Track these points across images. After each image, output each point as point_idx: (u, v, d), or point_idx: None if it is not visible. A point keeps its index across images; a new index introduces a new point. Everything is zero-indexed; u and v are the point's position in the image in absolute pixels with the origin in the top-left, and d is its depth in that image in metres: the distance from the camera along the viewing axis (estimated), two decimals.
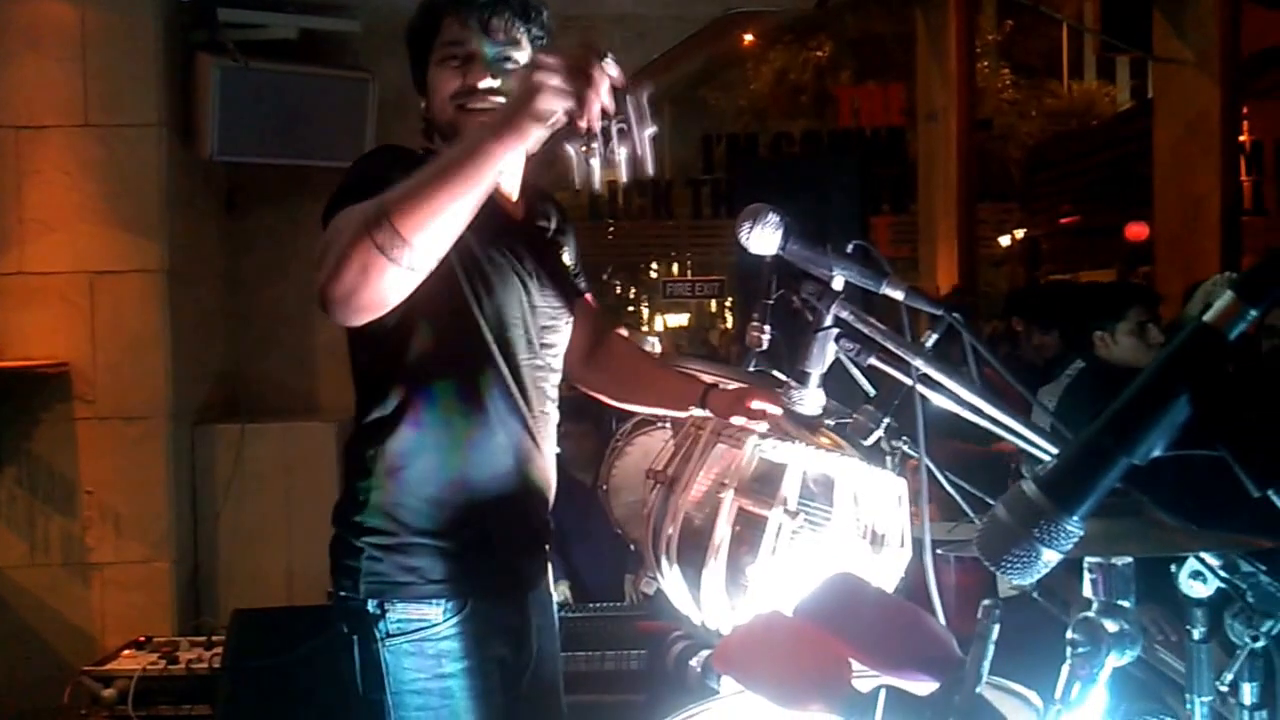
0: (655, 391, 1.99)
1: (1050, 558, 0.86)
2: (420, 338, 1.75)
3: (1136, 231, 10.86)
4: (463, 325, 1.76)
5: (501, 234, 1.81)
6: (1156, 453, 0.82)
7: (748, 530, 1.51)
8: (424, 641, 1.74)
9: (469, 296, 1.75)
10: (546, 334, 1.88)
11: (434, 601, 1.76)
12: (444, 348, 1.77)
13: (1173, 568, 1.19)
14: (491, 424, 1.79)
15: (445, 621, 1.76)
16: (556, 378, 1.93)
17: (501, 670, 1.83)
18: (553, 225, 2.00)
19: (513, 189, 1.90)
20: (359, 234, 1.43)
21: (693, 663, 1.98)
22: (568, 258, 2.03)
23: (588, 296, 2.07)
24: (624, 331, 2.31)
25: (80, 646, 3.86)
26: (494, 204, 1.76)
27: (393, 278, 1.45)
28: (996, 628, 0.93)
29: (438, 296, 1.63)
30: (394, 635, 1.74)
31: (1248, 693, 1.16)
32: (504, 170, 1.67)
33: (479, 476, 1.79)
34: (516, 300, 1.81)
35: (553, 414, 1.92)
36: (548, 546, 2.00)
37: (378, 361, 1.79)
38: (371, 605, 1.75)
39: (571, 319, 1.95)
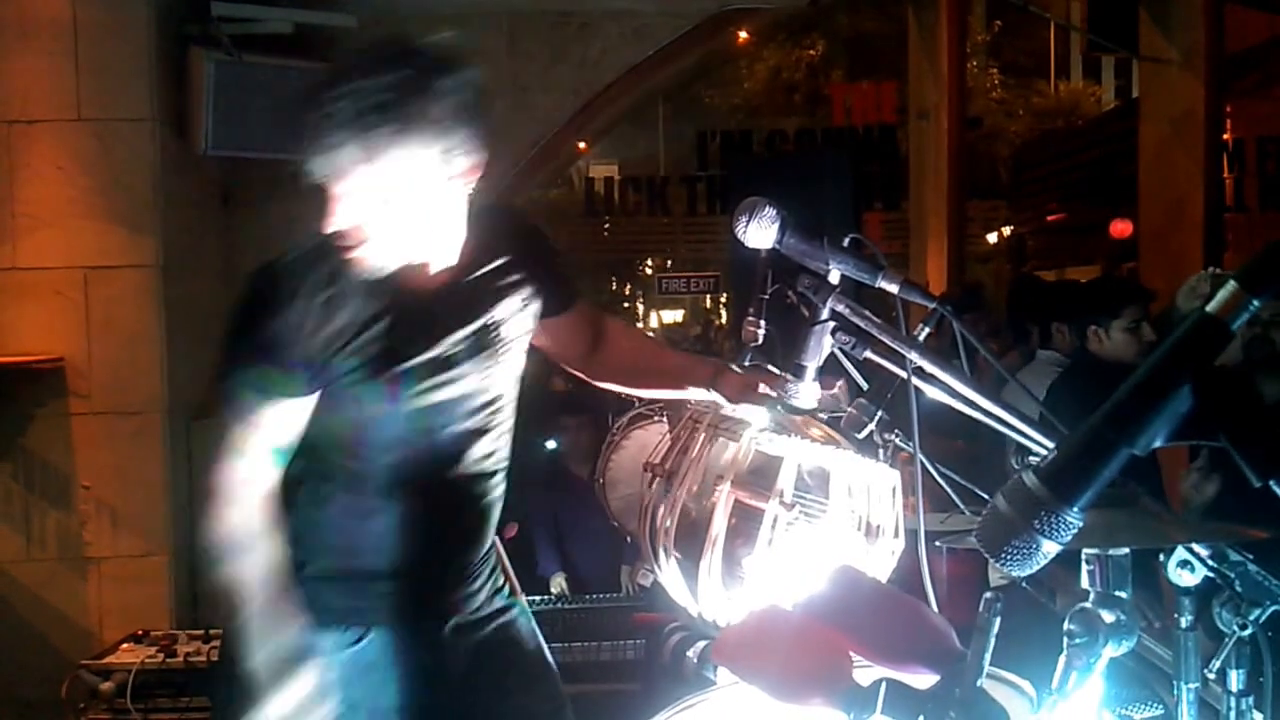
0: (666, 375, 1.99)
1: (1050, 549, 0.86)
2: (335, 429, 1.78)
3: (1121, 228, 10.92)
4: (382, 417, 1.77)
5: (422, 315, 1.78)
6: (1158, 443, 0.82)
7: (744, 522, 1.52)
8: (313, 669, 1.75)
9: (388, 396, 1.76)
10: (477, 397, 1.84)
11: (328, 631, 1.78)
12: (361, 433, 1.79)
13: (1160, 557, 1.20)
14: (405, 494, 1.81)
15: (338, 653, 1.78)
16: (498, 429, 1.90)
17: (402, 703, 1.83)
18: (497, 265, 1.89)
19: (442, 252, 1.80)
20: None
21: (689, 653, 2.00)
22: (515, 298, 1.90)
23: (578, 309, 2.05)
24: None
25: (78, 640, 3.85)
26: (412, 291, 1.77)
27: None
28: (998, 620, 0.93)
29: (350, 400, 1.73)
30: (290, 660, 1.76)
31: (1234, 680, 1.17)
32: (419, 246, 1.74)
33: (396, 519, 1.81)
34: (440, 384, 1.79)
35: (492, 462, 1.90)
36: (478, 575, 1.96)
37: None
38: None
39: (513, 363, 1.91)
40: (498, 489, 1.93)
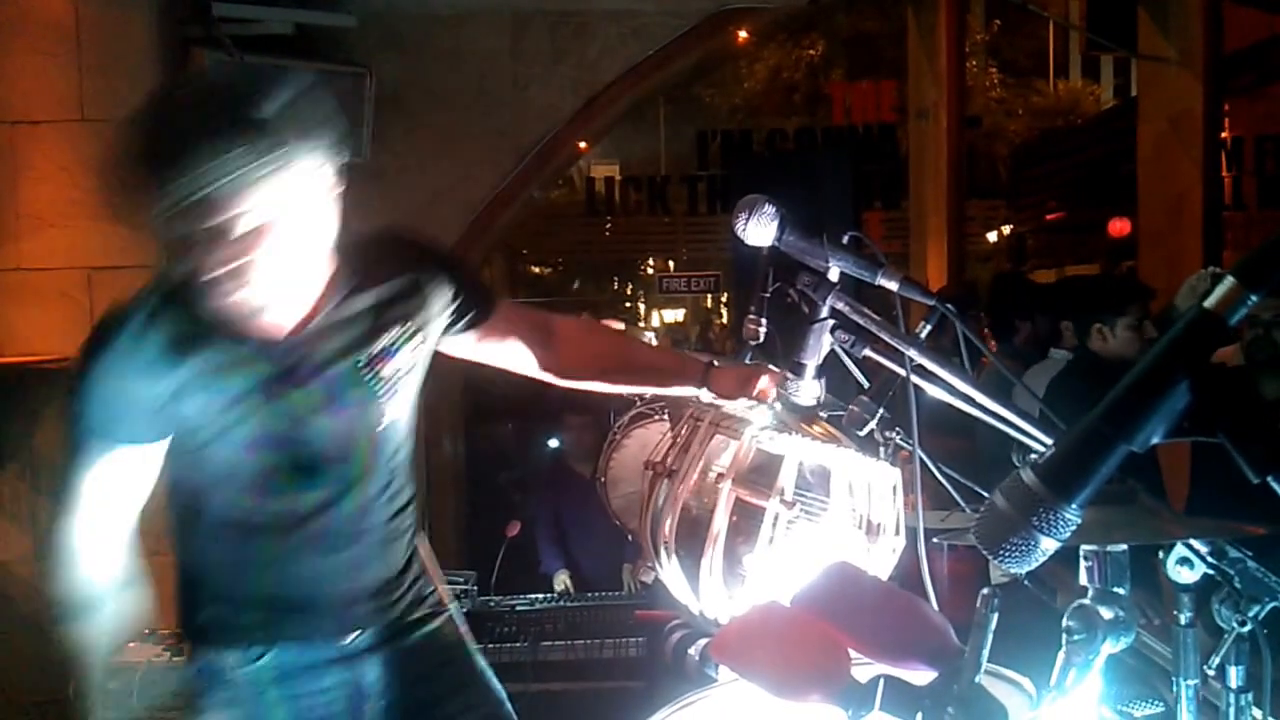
0: (645, 372, 1.96)
1: (1049, 546, 0.85)
2: (200, 471, 1.77)
3: (1120, 227, 10.93)
4: (245, 459, 1.73)
5: (289, 355, 1.72)
6: (1156, 440, 0.82)
7: (745, 520, 1.52)
8: (215, 685, 1.81)
9: (249, 438, 1.71)
10: (356, 434, 1.79)
11: (227, 649, 1.81)
12: (227, 474, 1.76)
13: (1160, 554, 1.20)
14: (285, 531, 1.79)
15: (237, 669, 1.80)
16: (388, 462, 1.85)
17: (327, 715, 1.83)
18: (375, 295, 1.79)
19: (309, 288, 1.72)
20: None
21: (691, 651, 2.00)
22: (396, 329, 1.81)
23: (499, 305, 1.96)
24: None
25: None
26: (278, 329, 1.71)
27: None
28: (995, 616, 0.92)
29: (209, 442, 1.71)
30: (198, 674, 1.83)
31: (1234, 676, 1.18)
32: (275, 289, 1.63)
33: (272, 554, 1.81)
34: (305, 423, 1.74)
35: (387, 494, 1.86)
36: (391, 591, 1.90)
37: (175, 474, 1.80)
38: (189, 646, 1.88)
39: (401, 398, 1.83)
40: (398, 519, 1.88)
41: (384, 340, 1.78)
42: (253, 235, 1.52)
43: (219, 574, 1.84)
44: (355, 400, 1.77)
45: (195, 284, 1.58)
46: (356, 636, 1.85)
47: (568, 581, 4.22)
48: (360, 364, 1.76)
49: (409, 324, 1.81)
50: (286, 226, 1.55)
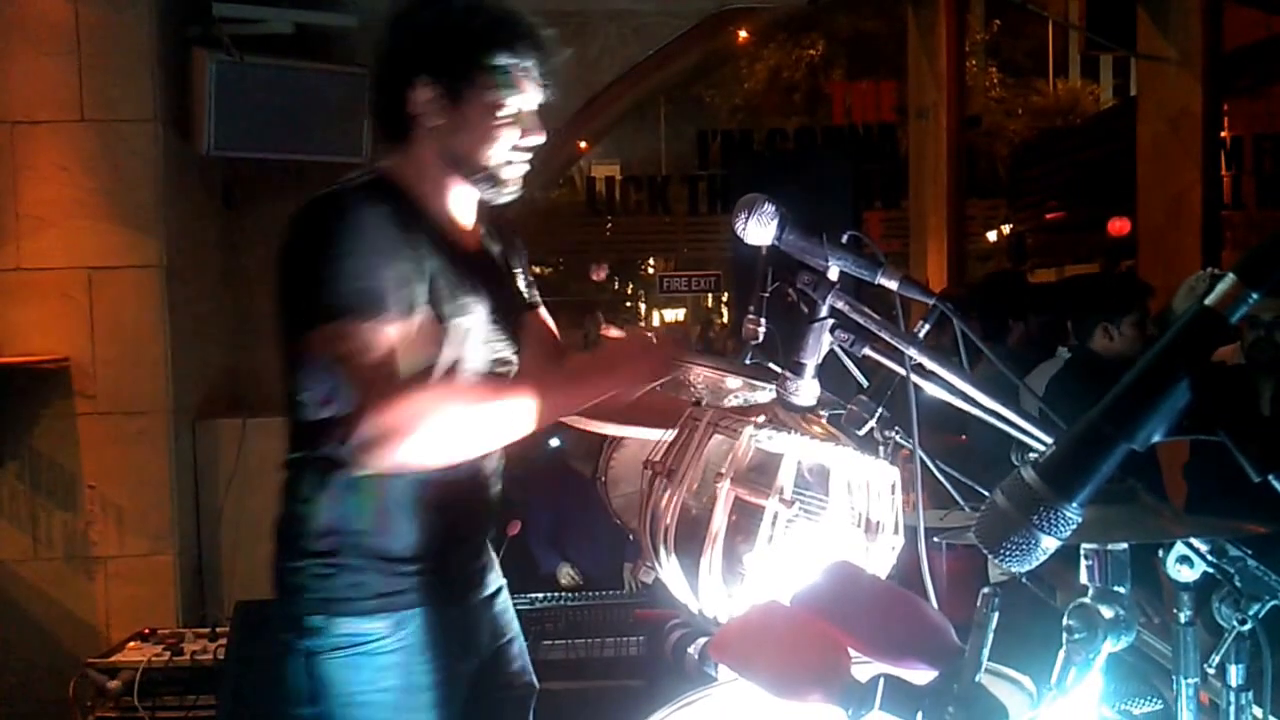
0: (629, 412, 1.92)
1: (1049, 545, 0.85)
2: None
3: (1119, 226, 10.94)
4: (429, 358, 1.73)
5: (462, 269, 1.78)
6: (1156, 438, 0.81)
7: (744, 519, 1.52)
8: (366, 655, 1.75)
9: (439, 332, 1.74)
10: (497, 366, 1.87)
11: (377, 616, 1.76)
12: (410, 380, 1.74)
13: (1159, 552, 1.20)
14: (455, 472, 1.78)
15: (389, 636, 1.76)
16: None
17: (450, 677, 1.83)
18: (503, 250, 1.97)
19: (468, 220, 1.88)
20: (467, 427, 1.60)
21: (690, 650, 2.01)
22: (520, 283, 2.00)
23: (541, 313, 2.05)
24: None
25: (85, 639, 3.87)
26: (454, 238, 1.80)
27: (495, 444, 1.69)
28: (996, 616, 0.92)
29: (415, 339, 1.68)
30: (338, 649, 1.75)
31: (1234, 675, 1.17)
32: (460, 202, 1.81)
33: (427, 499, 1.78)
34: (475, 331, 1.79)
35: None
36: (491, 547, 2.00)
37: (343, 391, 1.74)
38: (316, 620, 1.75)
39: (519, 345, 1.93)
40: (499, 456, 1.92)
41: (515, 285, 1.96)
42: (534, 132, 1.78)
43: (369, 523, 1.76)
44: (516, 320, 1.90)
45: (397, 178, 1.74)
46: (473, 599, 1.91)
47: (573, 573, 4.21)
48: (512, 295, 1.93)
49: (525, 277, 1.99)
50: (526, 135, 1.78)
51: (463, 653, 1.87)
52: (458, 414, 1.64)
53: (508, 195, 1.83)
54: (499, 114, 1.76)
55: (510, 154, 1.79)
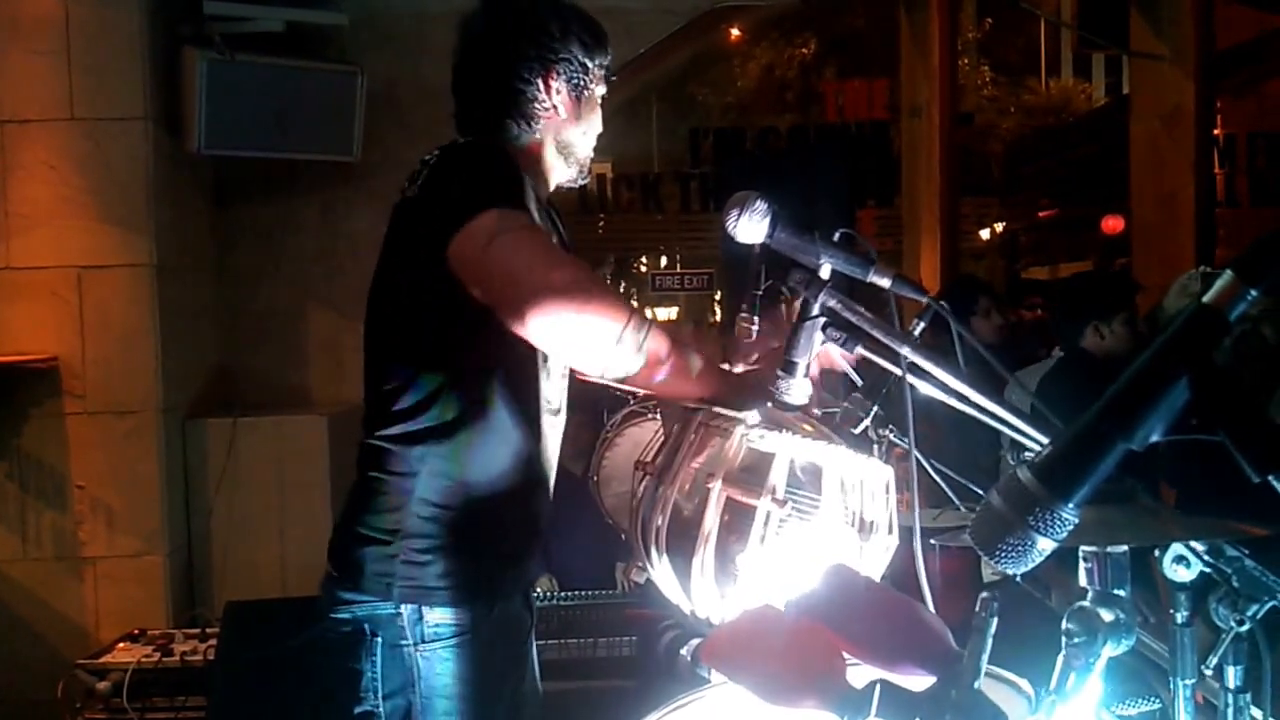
0: None
1: (1046, 546, 0.84)
2: (487, 350, 1.75)
3: (1113, 224, 10.96)
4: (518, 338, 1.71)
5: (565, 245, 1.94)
6: (1155, 438, 0.80)
7: (736, 519, 1.51)
8: (457, 646, 1.75)
9: None
10: None
11: (466, 606, 1.76)
12: (503, 359, 1.78)
13: (1156, 552, 1.20)
14: (538, 433, 1.84)
15: (477, 626, 1.77)
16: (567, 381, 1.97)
17: (520, 668, 1.89)
18: (559, 233, 2.02)
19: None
20: (613, 325, 1.59)
21: (683, 651, 2.00)
22: None
23: None
24: None
25: (74, 640, 3.86)
26: (552, 218, 1.93)
27: (585, 359, 1.62)
28: (995, 621, 0.91)
29: None
30: (429, 640, 1.74)
31: (1232, 676, 1.17)
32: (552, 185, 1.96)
33: (518, 484, 1.81)
34: None
35: (565, 415, 1.97)
36: None
37: (440, 369, 1.77)
38: (407, 610, 1.74)
39: None
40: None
41: None
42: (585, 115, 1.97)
43: (471, 480, 1.78)
44: None
45: (520, 152, 1.87)
46: (533, 581, 2.03)
47: (551, 584, 4.20)
48: None
49: None
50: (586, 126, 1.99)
51: (523, 642, 1.96)
52: (609, 309, 1.62)
53: (582, 180, 2.03)
54: (599, 108, 1.98)
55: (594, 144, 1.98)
